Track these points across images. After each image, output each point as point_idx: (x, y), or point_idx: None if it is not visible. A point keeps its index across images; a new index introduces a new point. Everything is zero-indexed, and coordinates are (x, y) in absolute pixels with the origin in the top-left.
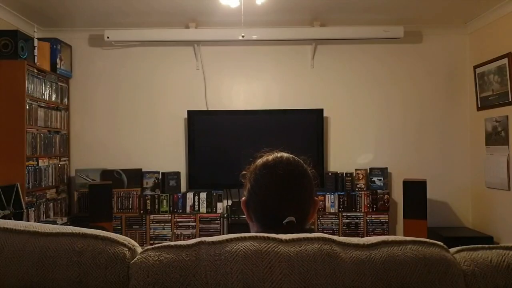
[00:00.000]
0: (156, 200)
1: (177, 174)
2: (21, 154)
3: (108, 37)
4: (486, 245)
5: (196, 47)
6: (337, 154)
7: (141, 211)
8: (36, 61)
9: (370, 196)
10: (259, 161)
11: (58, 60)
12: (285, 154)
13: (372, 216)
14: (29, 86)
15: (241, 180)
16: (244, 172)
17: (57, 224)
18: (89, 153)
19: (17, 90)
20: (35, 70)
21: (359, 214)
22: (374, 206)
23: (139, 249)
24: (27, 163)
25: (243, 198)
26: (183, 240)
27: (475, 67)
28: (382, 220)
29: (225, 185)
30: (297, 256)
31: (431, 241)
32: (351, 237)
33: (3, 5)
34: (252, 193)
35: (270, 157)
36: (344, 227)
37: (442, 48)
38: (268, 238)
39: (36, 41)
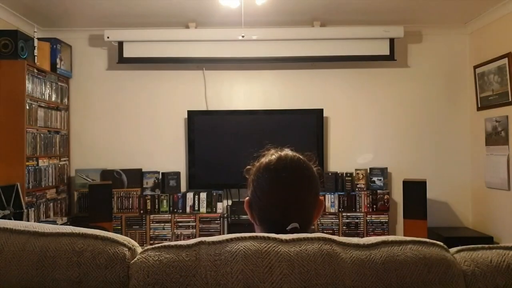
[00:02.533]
0: (156, 200)
1: (177, 174)
2: (21, 154)
3: (108, 37)
4: (486, 245)
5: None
6: (337, 154)
7: (141, 211)
8: (36, 61)
9: (370, 196)
10: (262, 161)
11: (58, 60)
12: (290, 154)
13: (372, 216)
14: (29, 86)
15: (245, 176)
16: (248, 167)
17: (57, 224)
18: (89, 153)
19: (17, 90)
20: (35, 70)
21: (359, 214)
22: (374, 206)
23: (139, 249)
24: (27, 163)
25: (247, 198)
26: (183, 240)
27: (475, 67)
28: (382, 220)
29: (225, 185)
30: (297, 256)
31: (431, 241)
32: (351, 237)
33: (3, 5)
34: (255, 196)
35: (274, 157)
36: (344, 227)
37: (442, 48)
38: (268, 238)
39: (36, 41)
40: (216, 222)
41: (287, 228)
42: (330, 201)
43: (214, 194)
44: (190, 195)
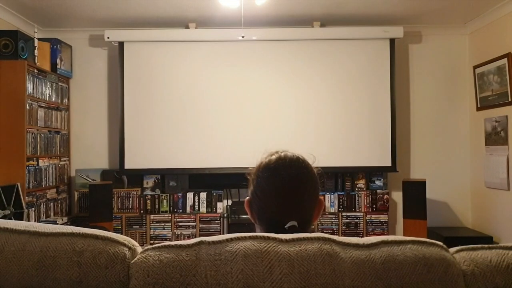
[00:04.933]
0: (156, 200)
1: (177, 174)
2: (21, 154)
3: (108, 37)
4: (486, 245)
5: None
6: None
7: (141, 211)
8: (36, 61)
9: (370, 196)
10: (263, 161)
11: (58, 60)
12: (289, 154)
13: (372, 216)
14: (29, 86)
15: (246, 177)
16: (249, 170)
17: (57, 224)
18: (89, 153)
19: (18, 90)
20: (36, 70)
21: (358, 214)
22: (374, 206)
23: (139, 249)
24: (27, 163)
25: (247, 198)
26: (183, 240)
27: (475, 67)
28: (381, 220)
29: (225, 185)
30: (297, 256)
31: (430, 241)
32: (351, 237)
33: (3, 5)
34: (254, 196)
35: (273, 157)
36: (344, 227)
37: (442, 48)
38: (268, 237)
39: (36, 41)
40: (216, 222)
41: (285, 226)
42: (330, 201)
43: (214, 194)
44: (190, 195)
